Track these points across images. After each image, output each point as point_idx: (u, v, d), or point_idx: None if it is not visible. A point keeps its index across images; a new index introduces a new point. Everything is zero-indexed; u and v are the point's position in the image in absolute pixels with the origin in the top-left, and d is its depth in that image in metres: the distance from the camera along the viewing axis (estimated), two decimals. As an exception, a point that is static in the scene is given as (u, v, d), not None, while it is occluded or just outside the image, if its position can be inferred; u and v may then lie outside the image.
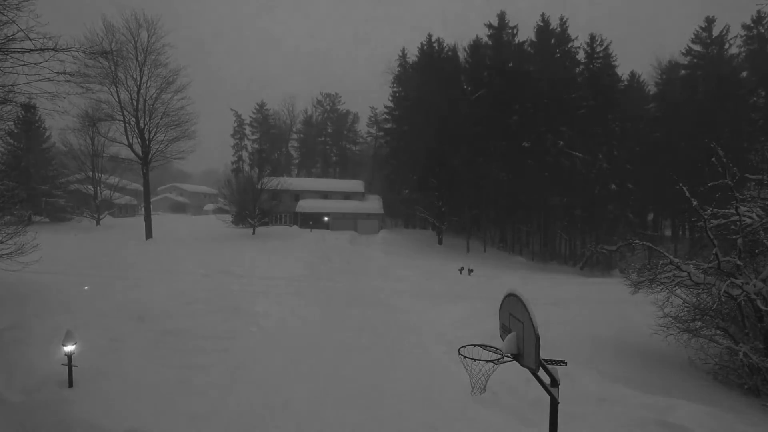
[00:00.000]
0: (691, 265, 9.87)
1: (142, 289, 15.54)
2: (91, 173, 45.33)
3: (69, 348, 7.25)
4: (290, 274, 21.98)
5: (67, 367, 7.20)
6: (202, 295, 14.90)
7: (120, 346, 9.35)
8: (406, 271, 25.78)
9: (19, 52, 10.37)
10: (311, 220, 46.03)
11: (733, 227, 9.94)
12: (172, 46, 36.45)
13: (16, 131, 38.43)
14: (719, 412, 7.14)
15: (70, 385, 7.16)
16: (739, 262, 9.31)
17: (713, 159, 9.57)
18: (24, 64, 10.47)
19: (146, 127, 35.58)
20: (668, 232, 49.36)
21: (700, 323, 10.00)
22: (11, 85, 11.15)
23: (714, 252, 9.52)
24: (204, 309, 13.07)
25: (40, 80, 10.63)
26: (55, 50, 10.37)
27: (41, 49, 10.22)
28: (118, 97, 34.19)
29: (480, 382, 5.73)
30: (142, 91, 34.92)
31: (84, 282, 15.71)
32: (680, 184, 10.13)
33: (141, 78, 34.75)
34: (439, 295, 17.90)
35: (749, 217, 9.64)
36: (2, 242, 12.51)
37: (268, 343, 10.78)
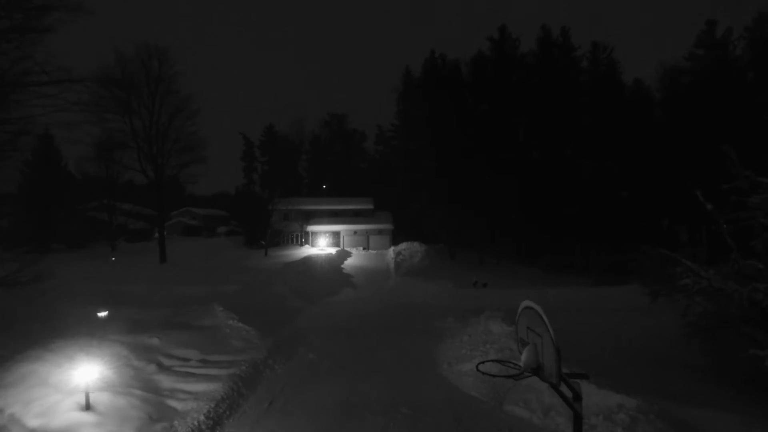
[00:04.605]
0: (711, 271, 9.66)
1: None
2: (105, 200, 46.16)
3: (85, 370, 7.29)
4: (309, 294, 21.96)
5: (84, 390, 7.24)
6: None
7: (136, 373, 9.36)
8: (419, 285, 25.62)
9: (35, 84, 10.73)
10: (322, 239, 46.17)
11: (751, 231, 9.74)
12: (182, 73, 37.46)
13: (33, 161, 39.45)
14: (747, 420, 6.91)
15: (87, 408, 7.17)
16: (760, 266, 9.09)
17: (727, 160, 9.44)
18: (40, 96, 10.81)
19: (159, 153, 36.28)
20: (684, 238, 48.46)
21: (723, 330, 9.73)
22: (29, 117, 11.50)
23: (733, 256, 9.33)
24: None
25: (56, 111, 10.96)
26: (70, 81, 10.72)
27: (57, 81, 10.57)
28: (132, 125, 35.03)
29: (498, 397, 5.63)
30: (154, 118, 35.75)
31: (99, 307, 15.83)
32: (694, 189, 10.00)
33: (153, 106, 35.61)
34: (454, 308, 17.69)
35: (766, 221, 9.44)
36: (21, 270, 12.71)
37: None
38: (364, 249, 44.89)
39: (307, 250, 41.92)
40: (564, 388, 4.91)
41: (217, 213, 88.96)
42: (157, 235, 40.94)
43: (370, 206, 52.04)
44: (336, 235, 46.62)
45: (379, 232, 46.91)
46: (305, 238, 47.53)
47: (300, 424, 7.49)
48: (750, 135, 39.11)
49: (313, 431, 7.29)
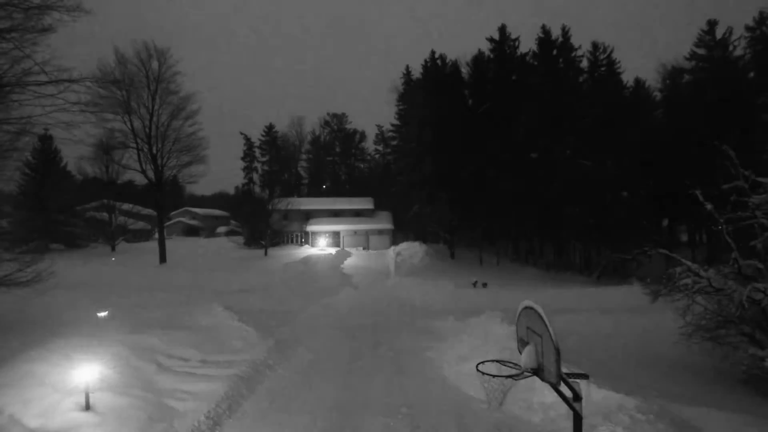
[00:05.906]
0: (711, 271, 9.66)
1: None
2: (105, 200, 46.14)
3: (84, 370, 7.28)
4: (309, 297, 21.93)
5: (84, 390, 7.23)
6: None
7: (136, 373, 9.36)
8: (419, 285, 25.61)
9: (35, 84, 10.73)
10: (322, 239, 46.18)
11: (751, 231, 9.74)
12: (182, 73, 37.39)
13: (33, 161, 39.45)
14: (747, 419, 6.90)
15: (87, 408, 7.17)
16: (760, 266, 9.09)
17: (727, 160, 9.45)
18: (40, 96, 10.81)
19: (159, 153, 36.26)
20: (684, 238, 48.47)
21: (723, 330, 9.73)
22: (28, 117, 11.50)
23: (733, 256, 9.33)
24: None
25: (55, 111, 10.96)
26: (70, 81, 10.72)
27: (56, 81, 10.57)
28: (131, 125, 35.06)
29: (497, 397, 5.63)
30: (154, 118, 35.74)
31: (99, 307, 15.83)
32: (694, 189, 10.00)
33: (153, 106, 35.62)
34: (454, 308, 17.69)
35: (766, 220, 9.44)
36: (21, 270, 12.72)
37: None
38: (364, 249, 44.92)
39: (307, 250, 41.95)
40: (564, 388, 4.91)
41: (218, 213, 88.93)
42: (157, 235, 40.92)
43: (370, 206, 52.05)
44: (336, 235, 46.64)
45: (379, 232, 46.94)
46: (305, 238, 47.54)
47: (300, 424, 7.49)
48: (750, 135, 39.14)
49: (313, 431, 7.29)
